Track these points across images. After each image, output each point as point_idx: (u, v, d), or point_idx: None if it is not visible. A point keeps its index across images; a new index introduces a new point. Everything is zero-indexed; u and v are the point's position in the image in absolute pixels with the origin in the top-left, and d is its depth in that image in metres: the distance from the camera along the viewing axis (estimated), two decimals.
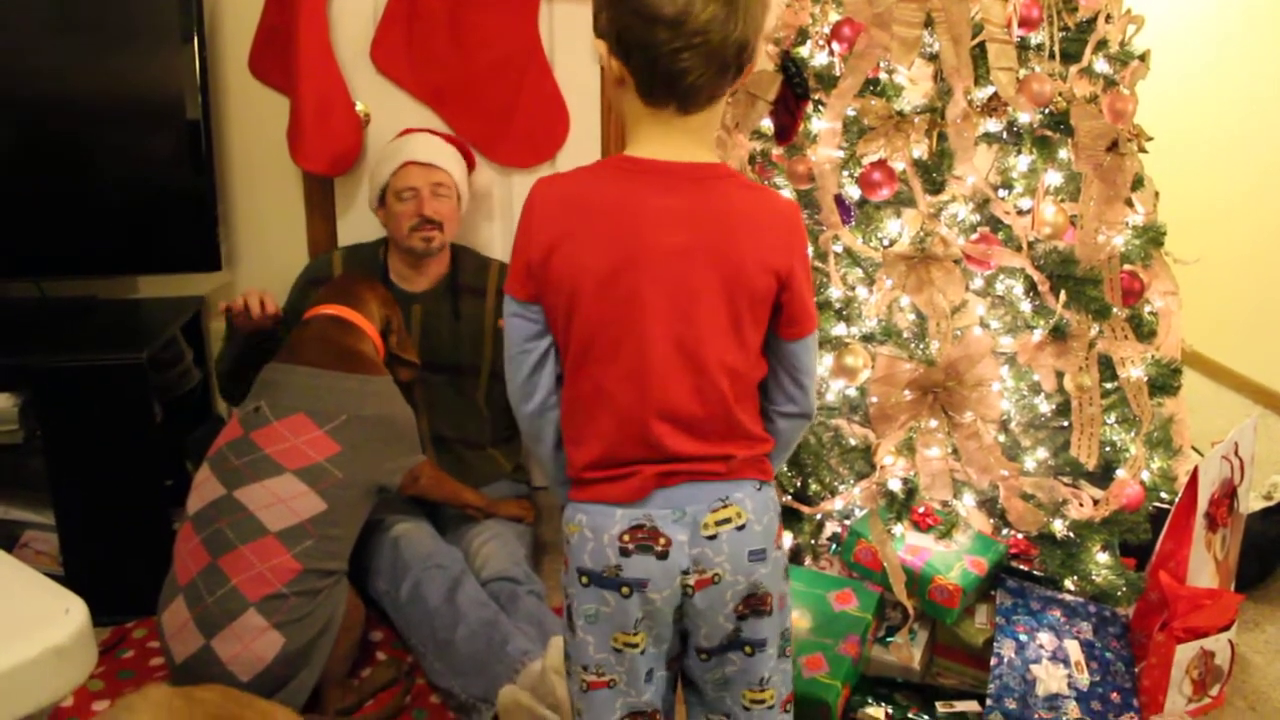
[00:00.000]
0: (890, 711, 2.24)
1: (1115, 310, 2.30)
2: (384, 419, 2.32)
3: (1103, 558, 2.38)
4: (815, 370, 1.58)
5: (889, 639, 2.35)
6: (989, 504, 2.44)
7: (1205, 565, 2.38)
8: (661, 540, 1.42)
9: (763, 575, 1.46)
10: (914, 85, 2.34)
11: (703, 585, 1.44)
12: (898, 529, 2.36)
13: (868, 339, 2.37)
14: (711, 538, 1.43)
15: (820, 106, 2.35)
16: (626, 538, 1.42)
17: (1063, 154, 2.29)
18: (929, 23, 2.22)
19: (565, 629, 1.53)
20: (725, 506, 1.44)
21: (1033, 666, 2.23)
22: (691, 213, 1.39)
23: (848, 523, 2.47)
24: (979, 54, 2.22)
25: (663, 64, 1.33)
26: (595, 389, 1.43)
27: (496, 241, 3.07)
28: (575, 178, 1.44)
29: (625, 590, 1.43)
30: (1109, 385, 2.37)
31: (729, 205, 1.41)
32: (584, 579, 1.46)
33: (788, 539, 2.37)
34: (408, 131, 2.79)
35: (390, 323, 2.51)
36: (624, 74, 1.37)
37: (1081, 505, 2.35)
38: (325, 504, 2.17)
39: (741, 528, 1.44)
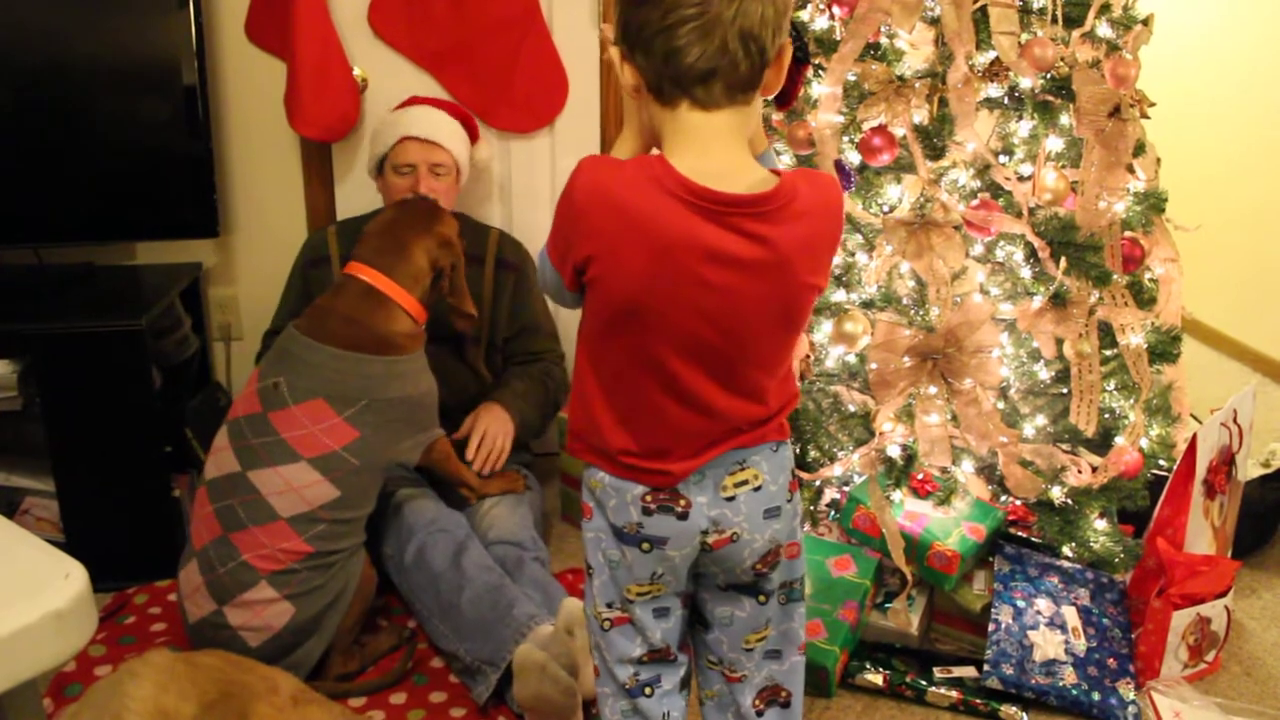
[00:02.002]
0: (888, 676, 2.25)
1: (1115, 277, 2.30)
2: (406, 400, 2.24)
3: (1101, 524, 2.39)
4: None
5: (887, 605, 2.36)
6: (988, 470, 2.44)
7: (1203, 532, 2.39)
8: (682, 502, 1.44)
9: (777, 530, 1.50)
10: (915, 50, 2.33)
11: (721, 544, 1.47)
12: (896, 495, 2.36)
13: (867, 305, 2.37)
14: (730, 499, 1.46)
15: (820, 71, 2.34)
16: (649, 498, 1.45)
17: (1064, 119, 2.28)
18: None
19: (586, 573, 1.56)
20: (743, 469, 1.47)
21: (1030, 632, 2.24)
22: (748, 253, 1.31)
23: (846, 489, 2.47)
24: (980, 18, 2.21)
25: (659, 45, 1.26)
26: (633, 390, 1.41)
27: (495, 210, 3.07)
28: (625, 186, 1.31)
29: (645, 546, 1.47)
30: (1108, 352, 2.37)
31: (787, 234, 1.33)
32: (609, 530, 1.49)
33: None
34: (411, 101, 2.74)
35: (443, 270, 2.32)
36: (637, 78, 1.32)
37: (1080, 472, 2.35)
38: (339, 491, 2.14)
39: (758, 489, 1.47)
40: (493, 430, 2.58)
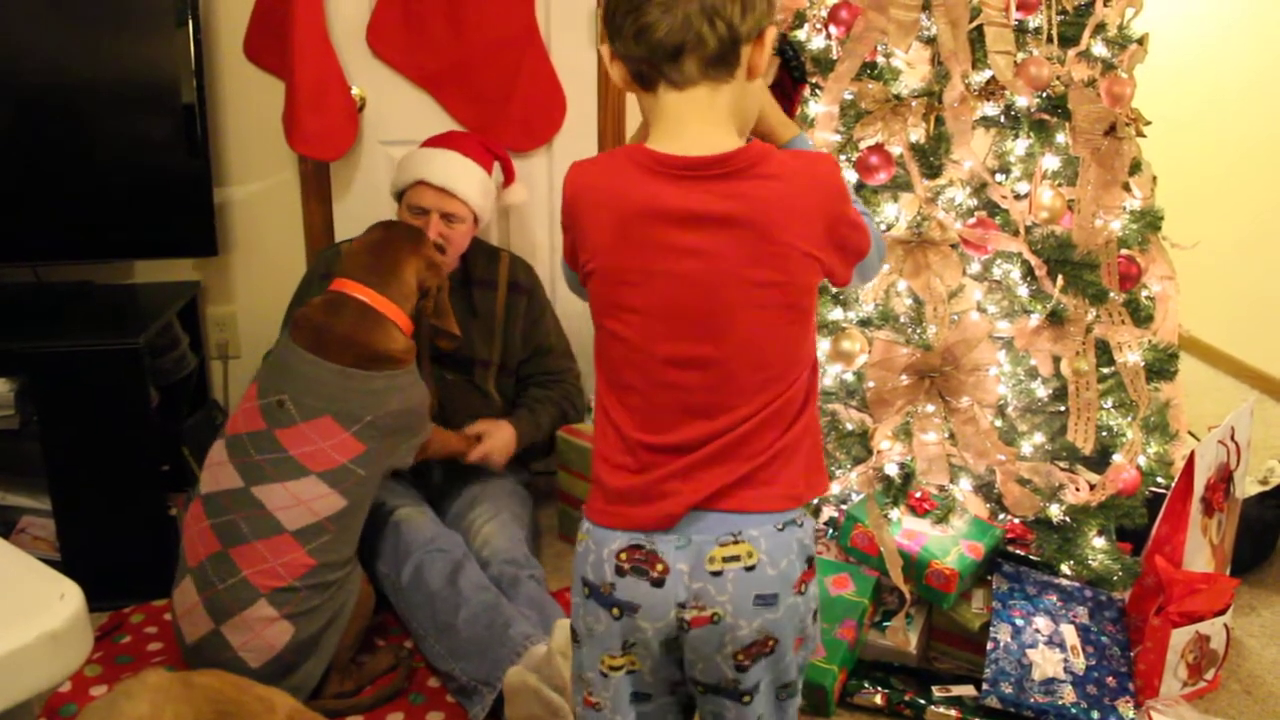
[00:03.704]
0: (887, 695, 2.25)
1: (1112, 295, 2.30)
2: (405, 411, 2.27)
3: (1099, 542, 2.38)
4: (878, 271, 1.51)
5: (885, 623, 2.36)
6: (986, 488, 2.44)
7: (1201, 550, 2.38)
8: (659, 566, 1.33)
9: (770, 621, 1.34)
10: (911, 69, 2.33)
11: (700, 623, 1.33)
12: (894, 514, 2.36)
13: (865, 324, 2.37)
14: (716, 574, 1.32)
15: (817, 90, 2.35)
16: (623, 555, 1.34)
17: (1060, 138, 2.28)
18: (926, 6, 2.22)
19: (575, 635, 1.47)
20: (736, 543, 1.32)
21: (1029, 651, 2.23)
22: (718, 207, 1.29)
23: (844, 507, 2.47)
24: (977, 37, 2.22)
25: (629, 24, 1.28)
26: (637, 375, 1.36)
27: (493, 228, 3.07)
28: (600, 172, 1.38)
29: (616, 611, 1.36)
30: (1106, 370, 2.37)
31: (759, 190, 1.30)
32: (585, 590, 1.40)
33: None
34: (446, 139, 2.64)
35: (428, 290, 2.36)
36: (624, 71, 1.34)
37: (1078, 490, 2.35)
38: (346, 501, 2.17)
39: (751, 568, 1.32)
40: (495, 458, 2.62)
